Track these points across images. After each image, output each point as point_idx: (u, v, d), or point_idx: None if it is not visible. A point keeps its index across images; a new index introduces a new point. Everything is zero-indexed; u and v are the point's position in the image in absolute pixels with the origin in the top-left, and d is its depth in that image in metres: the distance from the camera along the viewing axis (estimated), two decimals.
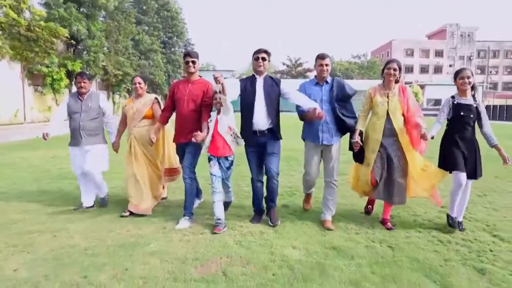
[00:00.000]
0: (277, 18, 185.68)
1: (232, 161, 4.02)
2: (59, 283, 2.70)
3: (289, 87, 4.07)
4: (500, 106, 38.49)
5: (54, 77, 24.42)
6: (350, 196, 5.03)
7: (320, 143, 4.00)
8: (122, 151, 4.73)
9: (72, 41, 24.70)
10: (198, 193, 4.65)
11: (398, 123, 3.90)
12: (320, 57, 4.06)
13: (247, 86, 3.99)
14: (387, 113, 3.91)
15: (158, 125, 4.33)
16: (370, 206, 4.48)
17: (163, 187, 4.94)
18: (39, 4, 22.61)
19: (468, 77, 3.83)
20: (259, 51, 3.97)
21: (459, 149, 3.83)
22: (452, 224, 3.89)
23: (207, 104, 4.06)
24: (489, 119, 3.94)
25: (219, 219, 3.87)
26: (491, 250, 3.38)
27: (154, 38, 42.14)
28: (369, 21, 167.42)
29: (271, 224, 3.96)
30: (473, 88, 3.90)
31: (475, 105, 3.85)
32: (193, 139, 3.75)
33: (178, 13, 48.54)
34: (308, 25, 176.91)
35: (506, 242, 3.61)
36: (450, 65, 67.04)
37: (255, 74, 4.04)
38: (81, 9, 26.92)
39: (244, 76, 60.43)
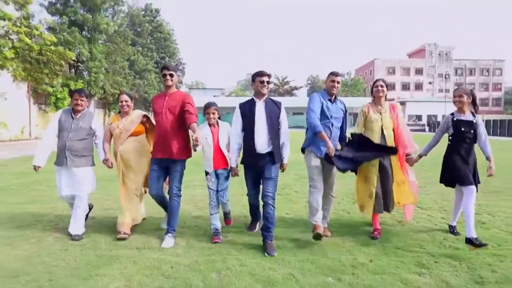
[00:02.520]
0: (264, 37, 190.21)
1: (229, 173, 4.06)
2: None
3: (285, 119, 3.99)
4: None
5: (58, 96, 25.81)
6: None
7: (323, 155, 3.98)
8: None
9: (77, 63, 26.19)
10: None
11: (390, 138, 4.07)
12: (334, 73, 4.09)
13: (247, 110, 3.88)
14: (381, 129, 4.08)
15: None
16: (377, 232, 4.13)
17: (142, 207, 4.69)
18: (45, 29, 24.07)
19: (460, 96, 3.92)
20: (262, 74, 3.86)
21: (466, 164, 3.89)
22: (452, 232, 4.14)
23: (190, 107, 3.92)
24: None
25: (217, 229, 3.99)
26: None
27: (148, 58, 43.83)
28: (353, 41, 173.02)
29: (267, 254, 3.57)
30: (474, 104, 3.99)
31: (474, 121, 3.93)
32: (194, 149, 3.67)
33: (170, 35, 50.45)
34: (294, 45, 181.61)
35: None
36: (430, 82, 70.24)
37: (254, 98, 3.93)
38: (83, 33, 28.54)
39: (233, 95, 61.71)
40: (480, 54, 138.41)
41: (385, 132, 4.07)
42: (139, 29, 44.60)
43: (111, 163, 4.35)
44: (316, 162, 4.02)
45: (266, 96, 3.93)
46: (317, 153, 4.00)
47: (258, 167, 3.85)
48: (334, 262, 3.35)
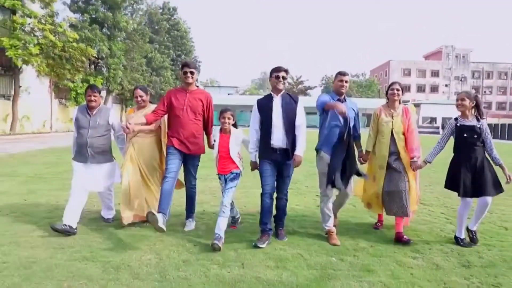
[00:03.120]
0: (280, 37, 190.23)
1: (238, 175, 4.00)
2: None
3: (302, 113, 4.01)
4: (494, 124, 40.61)
5: (78, 91, 26.77)
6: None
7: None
8: None
9: (97, 59, 27.10)
10: (193, 210, 4.49)
11: (401, 141, 4.05)
12: (342, 73, 4.15)
13: (265, 105, 3.96)
14: (392, 132, 4.07)
15: (149, 126, 4.22)
16: (379, 223, 4.46)
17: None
18: (68, 27, 24.90)
19: (463, 99, 3.88)
20: (279, 69, 3.91)
21: (466, 172, 3.83)
22: (463, 245, 3.84)
23: (209, 117, 4.23)
24: None
25: (218, 234, 3.70)
26: None
27: (165, 56, 44.76)
28: (369, 41, 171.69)
29: (278, 239, 3.90)
30: (478, 107, 3.92)
31: (478, 126, 3.85)
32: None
33: (187, 33, 51.31)
34: (310, 45, 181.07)
35: None
36: (446, 85, 69.49)
37: (272, 93, 3.99)
38: (103, 30, 29.43)
39: (247, 93, 62.09)
40: (499, 57, 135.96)
41: (395, 135, 4.05)
42: (156, 27, 45.49)
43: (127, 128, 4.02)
44: (324, 161, 4.03)
45: (283, 91, 3.97)
46: (328, 153, 4.01)
47: (275, 162, 3.88)
48: (339, 247, 3.75)
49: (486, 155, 3.92)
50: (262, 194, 3.93)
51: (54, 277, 2.93)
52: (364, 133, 4.24)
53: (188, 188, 4.33)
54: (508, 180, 3.79)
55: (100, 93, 4.36)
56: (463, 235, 3.93)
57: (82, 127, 4.19)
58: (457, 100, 3.97)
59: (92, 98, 4.20)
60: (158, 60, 42.34)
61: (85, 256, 3.38)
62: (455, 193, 3.95)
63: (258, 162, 4.03)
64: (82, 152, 4.18)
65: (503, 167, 3.83)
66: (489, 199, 3.79)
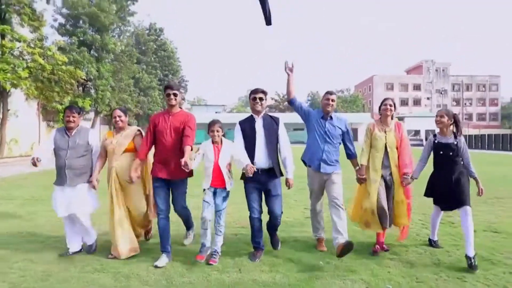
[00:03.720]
0: (265, 54, 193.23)
1: (228, 193, 3.99)
2: None
3: (284, 133, 4.11)
4: (475, 135, 41.87)
5: None
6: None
7: (318, 170, 4.12)
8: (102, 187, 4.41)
9: (86, 81, 27.39)
10: (190, 225, 4.55)
11: (394, 156, 4.14)
12: (329, 92, 4.25)
13: (247, 127, 4.01)
14: (385, 147, 4.15)
15: (138, 161, 4.06)
16: (379, 247, 4.21)
17: (150, 222, 4.63)
18: (56, 50, 25.21)
19: (442, 116, 4.03)
20: (256, 91, 3.99)
21: (442, 185, 4.02)
22: (434, 246, 4.30)
23: (189, 131, 3.91)
24: None
25: (205, 245, 3.85)
26: None
27: (152, 76, 45.22)
28: (352, 57, 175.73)
29: (273, 248, 4.18)
30: (456, 125, 4.08)
31: (455, 143, 3.99)
32: (184, 168, 3.58)
33: (174, 53, 52.04)
34: (295, 61, 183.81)
35: None
36: (428, 98, 71.40)
37: (253, 114, 4.06)
38: (91, 52, 29.81)
39: (234, 111, 62.53)
40: (476, 70, 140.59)
41: (388, 150, 4.14)
42: (143, 48, 46.06)
43: (95, 185, 4.22)
44: (313, 181, 4.23)
45: (263, 112, 4.06)
46: (312, 166, 4.19)
47: (260, 183, 3.93)
48: (325, 252, 4.18)
49: (463, 168, 4.06)
50: (250, 218, 4.00)
51: (71, 287, 3.27)
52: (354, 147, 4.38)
53: (178, 212, 4.19)
54: (480, 193, 3.99)
55: (79, 113, 4.27)
56: (436, 237, 4.37)
57: (61, 149, 4.12)
58: (436, 116, 4.14)
59: (71, 118, 4.15)
60: (145, 81, 42.77)
61: (96, 268, 3.73)
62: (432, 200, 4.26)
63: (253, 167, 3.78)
64: (60, 174, 4.10)
65: (477, 181, 4.04)
66: (468, 208, 3.84)
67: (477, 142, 40.27)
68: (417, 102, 71.33)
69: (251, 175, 3.67)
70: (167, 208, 4.00)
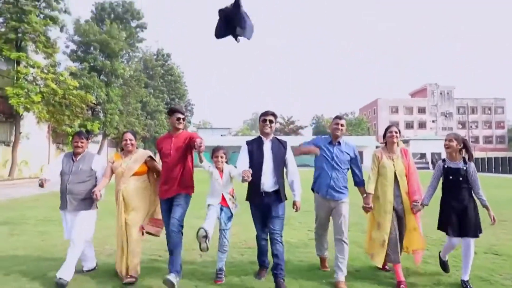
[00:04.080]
0: (270, 78, 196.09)
1: (232, 215, 4.11)
2: None
3: (292, 157, 4.11)
4: (481, 159, 41.76)
5: None
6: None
7: (325, 196, 4.11)
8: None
9: (96, 105, 28.12)
10: (178, 265, 3.98)
11: (404, 184, 4.05)
12: (338, 117, 4.26)
13: (255, 148, 4.00)
14: (395, 175, 4.05)
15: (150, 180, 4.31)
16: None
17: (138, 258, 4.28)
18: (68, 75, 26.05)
19: (450, 140, 3.98)
20: (266, 114, 4.01)
21: (453, 212, 3.91)
22: (442, 265, 4.23)
23: (196, 136, 3.99)
24: None
25: (204, 229, 3.77)
26: None
27: (159, 100, 46.08)
28: (356, 80, 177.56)
29: None
30: (466, 150, 4.02)
31: (464, 168, 3.93)
32: (197, 148, 3.68)
33: (180, 77, 53.09)
34: (300, 85, 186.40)
35: None
36: (433, 121, 71.64)
37: (261, 136, 4.05)
38: (101, 77, 30.68)
39: (240, 134, 62.73)
40: (481, 93, 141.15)
41: (398, 178, 4.04)
42: (151, 72, 47.14)
43: (97, 195, 4.12)
44: (321, 205, 4.19)
45: (271, 135, 4.06)
46: (320, 193, 4.15)
47: (265, 205, 3.92)
48: (328, 272, 4.33)
49: (473, 195, 3.99)
50: (256, 237, 4.15)
51: None
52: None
53: (169, 235, 3.93)
54: (493, 222, 3.90)
55: (87, 139, 4.39)
56: (446, 258, 4.24)
57: (64, 173, 4.17)
58: (445, 140, 4.07)
59: (79, 144, 4.23)
60: (152, 104, 43.58)
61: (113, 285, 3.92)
62: (436, 226, 4.15)
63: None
64: (62, 199, 4.15)
65: (488, 208, 3.91)
66: (471, 240, 3.84)
67: (483, 165, 40.16)
68: (422, 125, 71.51)
69: (249, 179, 3.57)
70: (178, 225, 3.93)
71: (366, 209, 4.13)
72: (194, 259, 4.87)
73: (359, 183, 4.28)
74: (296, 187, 4.03)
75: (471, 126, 71.05)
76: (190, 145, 3.96)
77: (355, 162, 4.26)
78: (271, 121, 4.00)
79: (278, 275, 3.74)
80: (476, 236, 3.88)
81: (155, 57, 49.92)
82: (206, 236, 3.69)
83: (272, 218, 3.91)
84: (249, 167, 3.84)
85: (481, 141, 71.23)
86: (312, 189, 4.32)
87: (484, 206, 3.94)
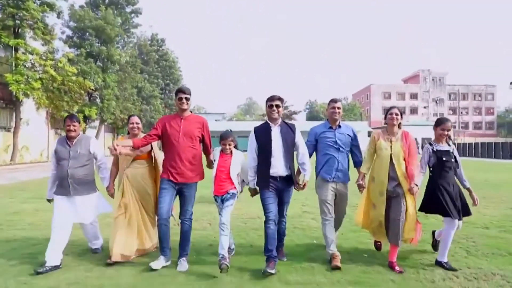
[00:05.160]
0: (263, 63, 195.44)
1: (235, 194, 3.98)
2: None
3: (302, 140, 4.06)
4: (470, 144, 42.75)
5: None
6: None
7: (333, 179, 4.10)
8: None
9: (94, 91, 28.57)
10: (187, 249, 4.09)
11: (400, 167, 3.92)
12: (333, 100, 4.23)
13: (263, 134, 3.95)
14: (390, 158, 3.95)
15: (135, 151, 4.12)
16: (379, 243, 4.45)
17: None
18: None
19: (449, 130, 4.01)
20: (272, 99, 3.92)
21: (447, 195, 3.89)
22: (449, 269, 3.82)
23: (207, 140, 4.15)
24: (460, 155, 4.74)
25: (222, 255, 3.65)
26: None
27: (154, 85, 46.41)
28: (350, 65, 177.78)
29: (279, 259, 3.97)
30: (449, 136, 4.07)
31: (451, 150, 4.00)
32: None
33: (175, 62, 53.31)
34: (294, 70, 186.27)
35: None
36: (424, 107, 72.55)
37: (269, 122, 3.99)
38: (97, 63, 30.99)
39: (234, 119, 63.02)
40: (472, 79, 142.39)
41: (394, 161, 3.94)
42: (146, 58, 47.34)
43: (113, 194, 4.33)
44: (326, 192, 4.12)
45: (279, 120, 3.99)
46: (327, 177, 4.12)
47: (277, 190, 3.90)
48: (317, 233, 5.01)
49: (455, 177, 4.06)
50: (266, 222, 3.88)
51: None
52: None
53: (182, 221, 4.01)
54: (476, 203, 4.02)
55: (79, 122, 4.25)
56: (446, 258, 3.94)
57: (62, 159, 4.06)
58: (443, 130, 4.03)
59: (72, 127, 4.10)
60: (148, 90, 43.93)
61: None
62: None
63: (257, 189, 4.02)
64: (63, 185, 4.03)
65: (471, 190, 4.05)
66: (460, 222, 3.92)
67: (472, 150, 41.17)
68: (414, 110, 72.31)
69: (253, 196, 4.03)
70: (168, 215, 3.91)
71: (359, 187, 4.16)
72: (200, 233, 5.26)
73: (358, 163, 4.31)
74: (307, 167, 4.03)
75: (461, 112, 72.11)
76: (203, 134, 4.07)
77: (355, 143, 4.30)
78: (278, 106, 3.93)
79: (279, 246, 4.09)
80: (468, 214, 4.03)
81: (149, 42, 49.97)
82: (227, 266, 3.60)
83: (282, 203, 4.02)
84: (259, 154, 3.97)
85: (471, 127, 72.54)
86: (316, 175, 4.26)
87: (467, 188, 4.07)
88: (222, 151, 4.05)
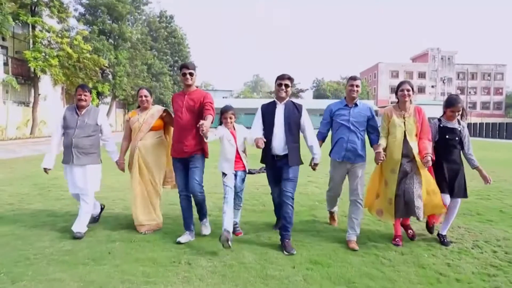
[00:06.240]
0: (271, 40, 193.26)
1: (245, 174, 4.11)
2: None
3: (308, 121, 3.98)
4: (477, 123, 42.83)
5: None
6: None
7: (342, 159, 4.06)
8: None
9: (108, 68, 29.42)
10: (191, 225, 4.10)
11: (414, 143, 3.88)
12: (352, 78, 4.13)
13: (268, 111, 3.97)
14: (404, 134, 3.89)
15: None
16: (398, 239, 4.00)
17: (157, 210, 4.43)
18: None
19: (459, 110, 3.92)
20: (282, 77, 3.89)
21: (443, 172, 3.91)
22: (445, 243, 3.93)
23: (209, 105, 3.87)
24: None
25: (227, 230, 3.61)
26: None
27: (163, 62, 46.91)
28: (358, 44, 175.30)
29: (286, 253, 3.66)
30: (462, 114, 3.96)
31: (459, 128, 3.93)
32: (201, 132, 3.46)
33: (183, 39, 53.49)
34: (300, 48, 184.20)
35: None
36: (432, 86, 72.13)
37: (276, 100, 3.99)
38: (109, 41, 31.64)
39: (241, 96, 63.22)
40: (482, 59, 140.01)
41: (408, 138, 3.88)
42: (155, 35, 47.65)
43: (123, 168, 4.42)
44: (337, 169, 4.19)
45: (287, 99, 3.96)
46: (336, 157, 4.11)
47: (276, 168, 3.95)
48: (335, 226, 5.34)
49: (463, 158, 4.02)
50: (272, 195, 4.40)
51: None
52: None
53: (194, 196, 3.99)
54: (489, 181, 3.95)
55: (90, 92, 4.31)
56: (445, 232, 4.07)
57: (69, 127, 4.10)
58: (453, 111, 3.95)
59: (83, 97, 4.14)
60: (157, 66, 44.50)
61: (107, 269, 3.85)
62: None
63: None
64: (67, 153, 4.09)
65: (480, 169, 3.97)
66: (459, 201, 3.98)
67: (479, 130, 41.27)
68: (421, 90, 71.83)
69: (262, 146, 3.69)
70: (187, 188, 3.99)
71: (377, 156, 3.87)
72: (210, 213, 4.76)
73: (374, 140, 4.16)
74: (316, 150, 4.02)
75: (469, 92, 71.66)
76: (202, 108, 3.90)
77: (372, 123, 4.17)
78: (286, 85, 3.89)
79: (285, 236, 3.81)
80: (466, 196, 4.00)
81: (158, 19, 50.09)
82: (228, 239, 3.53)
83: (283, 180, 3.91)
84: (263, 132, 3.94)
85: (478, 107, 72.20)
86: (329, 155, 4.24)
87: (475, 167, 4.01)
88: (226, 128, 4.04)
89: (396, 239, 3.97)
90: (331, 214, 4.72)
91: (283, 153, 3.88)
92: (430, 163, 3.81)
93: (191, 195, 4.02)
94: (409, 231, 4.19)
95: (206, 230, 4.22)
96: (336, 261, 3.51)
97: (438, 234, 4.10)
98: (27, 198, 6.00)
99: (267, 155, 3.96)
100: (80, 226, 4.08)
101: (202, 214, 4.19)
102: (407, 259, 3.59)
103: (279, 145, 3.86)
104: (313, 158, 4.06)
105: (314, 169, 4.12)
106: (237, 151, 3.98)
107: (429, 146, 3.87)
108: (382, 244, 3.98)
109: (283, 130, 3.87)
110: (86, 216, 4.18)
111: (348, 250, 3.80)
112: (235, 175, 4.00)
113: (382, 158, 3.84)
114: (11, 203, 5.64)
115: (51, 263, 3.36)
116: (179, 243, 3.86)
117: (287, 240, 3.80)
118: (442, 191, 3.90)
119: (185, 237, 3.96)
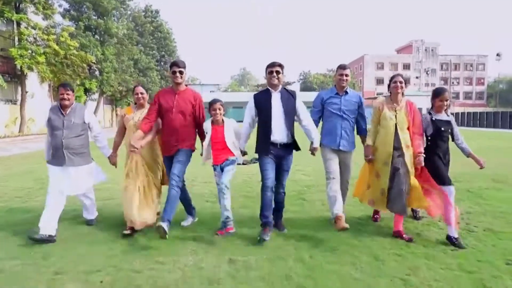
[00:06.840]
0: (258, 34, 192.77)
1: (234, 160, 4.05)
2: None
3: (303, 105, 4.00)
4: (460, 113, 44.18)
5: (76, 94, 28.90)
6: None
7: (338, 147, 4.12)
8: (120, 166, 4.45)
9: (96, 64, 29.33)
10: (191, 210, 4.42)
11: (405, 136, 3.90)
12: (341, 67, 4.16)
13: (263, 101, 3.92)
14: (395, 127, 3.91)
15: (151, 135, 4.04)
16: (377, 216, 4.48)
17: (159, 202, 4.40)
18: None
19: (447, 100, 3.94)
20: (272, 65, 3.88)
21: (443, 164, 3.93)
22: (458, 245, 3.62)
23: (200, 117, 4.09)
24: None
25: (228, 217, 3.84)
26: None
27: (150, 57, 46.74)
28: (343, 36, 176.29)
29: (279, 231, 4.00)
30: (447, 106, 4.01)
31: (449, 120, 3.98)
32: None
33: (170, 34, 53.23)
34: (287, 41, 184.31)
35: None
36: (417, 77, 73.26)
37: (269, 88, 3.95)
38: (95, 37, 31.49)
39: (229, 90, 63.37)
40: (464, 50, 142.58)
41: (399, 131, 3.91)
42: (140, 29, 47.31)
43: (115, 163, 4.35)
44: (331, 155, 4.18)
45: (280, 86, 3.94)
46: (331, 145, 4.17)
47: (277, 157, 3.90)
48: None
49: (456, 145, 4.10)
50: (262, 188, 3.88)
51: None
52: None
53: (169, 187, 3.87)
54: (483, 165, 3.96)
55: (73, 90, 4.11)
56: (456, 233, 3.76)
57: (56, 128, 3.96)
58: (441, 100, 3.95)
59: (65, 96, 3.97)
60: (144, 61, 44.32)
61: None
62: None
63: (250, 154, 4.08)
64: (58, 155, 3.97)
65: (473, 156, 4.00)
66: (452, 187, 3.83)
67: (462, 119, 42.37)
68: (406, 81, 72.29)
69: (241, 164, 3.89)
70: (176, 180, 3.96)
71: (367, 160, 4.13)
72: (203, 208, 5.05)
73: (363, 131, 4.34)
74: (314, 134, 4.00)
75: (452, 82, 73.03)
76: (195, 110, 4.04)
77: (360, 111, 4.29)
78: (278, 72, 3.87)
79: (278, 216, 4.18)
80: (451, 184, 3.89)
81: (143, 13, 49.73)
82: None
83: (281, 171, 3.98)
84: (258, 121, 4.01)
85: (461, 97, 73.69)
86: (320, 143, 4.15)
87: (468, 154, 4.05)
88: (213, 122, 4.08)
89: (375, 216, 4.50)
90: (338, 218, 3.80)
91: (285, 141, 3.90)
92: (423, 163, 3.90)
93: (182, 186, 4.07)
94: (404, 235, 3.88)
95: (186, 222, 4.39)
96: (321, 234, 4.02)
97: (449, 237, 3.74)
98: (33, 192, 6.35)
99: (266, 145, 3.88)
100: (90, 214, 4.45)
101: (166, 213, 3.76)
102: (383, 231, 4.15)
103: (281, 133, 3.87)
104: (312, 143, 4.00)
105: (313, 154, 4.02)
106: (225, 145, 4.03)
107: (421, 144, 3.95)
108: (363, 221, 4.53)
109: (283, 118, 3.88)
110: (92, 206, 4.47)
111: (332, 225, 3.97)
112: (221, 168, 4.05)
113: (370, 160, 4.12)
114: (20, 196, 6.00)
115: (76, 241, 3.85)
116: (182, 226, 4.28)
117: (279, 221, 4.20)
118: (443, 183, 3.84)
119: (189, 220, 4.39)
